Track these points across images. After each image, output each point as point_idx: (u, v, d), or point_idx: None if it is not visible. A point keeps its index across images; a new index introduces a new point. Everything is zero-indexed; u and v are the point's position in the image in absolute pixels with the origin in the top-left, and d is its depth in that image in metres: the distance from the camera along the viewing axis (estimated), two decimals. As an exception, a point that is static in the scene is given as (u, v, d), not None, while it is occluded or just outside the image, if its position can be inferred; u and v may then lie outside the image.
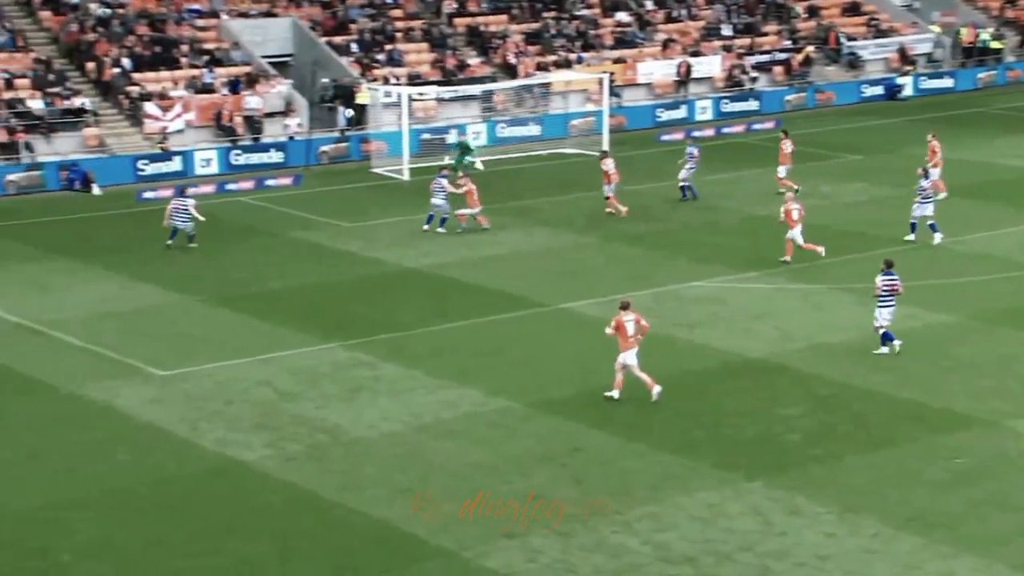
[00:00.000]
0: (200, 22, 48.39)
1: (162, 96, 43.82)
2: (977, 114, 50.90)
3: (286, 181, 41.47)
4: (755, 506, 19.15)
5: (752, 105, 51.86)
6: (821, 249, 31.16)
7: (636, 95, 51.31)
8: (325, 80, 46.35)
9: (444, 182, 34.59)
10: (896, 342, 25.05)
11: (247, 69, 46.35)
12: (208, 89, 44.88)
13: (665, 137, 47.19)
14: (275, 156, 43.79)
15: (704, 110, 51.00)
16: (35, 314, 28.05)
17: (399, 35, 50.65)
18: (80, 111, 42.44)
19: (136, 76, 44.65)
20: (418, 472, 20.38)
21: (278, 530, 18.50)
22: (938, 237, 32.45)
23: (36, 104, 42.02)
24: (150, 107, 43.31)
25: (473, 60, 50.14)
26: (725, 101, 51.57)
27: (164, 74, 45.24)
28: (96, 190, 40.16)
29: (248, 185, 40.81)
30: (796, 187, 37.17)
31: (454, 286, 30.31)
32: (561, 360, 25.40)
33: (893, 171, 41.31)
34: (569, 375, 24.58)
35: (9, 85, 42.51)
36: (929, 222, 32.63)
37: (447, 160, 40.41)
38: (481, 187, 36.26)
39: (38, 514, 18.87)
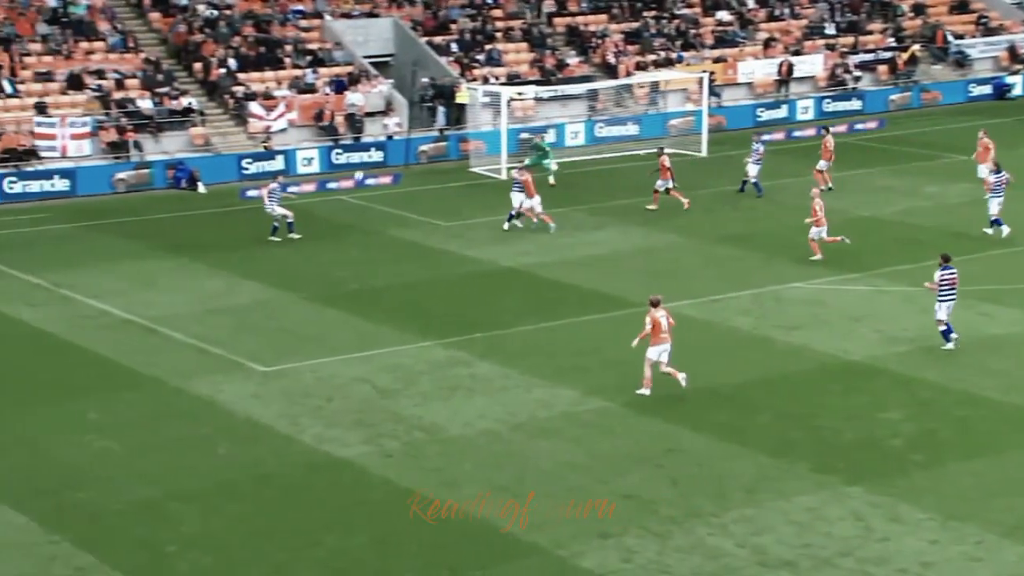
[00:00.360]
0: (304, 23, 49.09)
1: (266, 96, 44.56)
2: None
3: (386, 180, 41.88)
4: (855, 511, 18.92)
5: (855, 105, 51.15)
6: (846, 239, 31.34)
7: (736, 95, 50.90)
8: (425, 80, 46.72)
9: (520, 176, 35.04)
10: (954, 335, 24.95)
11: (349, 69, 46.91)
12: (311, 89, 45.52)
13: (766, 137, 46.71)
14: (375, 155, 44.25)
15: (805, 110, 50.43)
16: (143, 310, 28.71)
17: (499, 35, 50.86)
18: (187, 111, 43.31)
19: (241, 76, 45.45)
20: (514, 471, 20.47)
21: (375, 526, 18.73)
22: (1005, 230, 32.57)
23: (145, 104, 42.99)
24: (254, 107, 44.05)
25: (572, 60, 50.15)
26: (827, 101, 50.94)
27: (268, 74, 45.98)
28: (201, 188, 40.96)
29: (348, 184, 41.30)
30: (830, 185, 36.97)
31: (551, 285, 30.37)
32: (658, 361, 25.27)
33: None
34: (665, 376, 24.48)
35: (120, 85, 43.54)
36: (992, 218, 32.27)
37: (526, 162, 40.69)
38: (579, 187, 36.32)
39: (146, 506, 19.32)
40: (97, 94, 42.83)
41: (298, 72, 46.19)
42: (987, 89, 53.57)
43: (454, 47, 49.31)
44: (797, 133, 47.52)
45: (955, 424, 21.95)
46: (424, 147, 45.09)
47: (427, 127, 46.35)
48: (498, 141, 42.63)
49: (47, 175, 40.07)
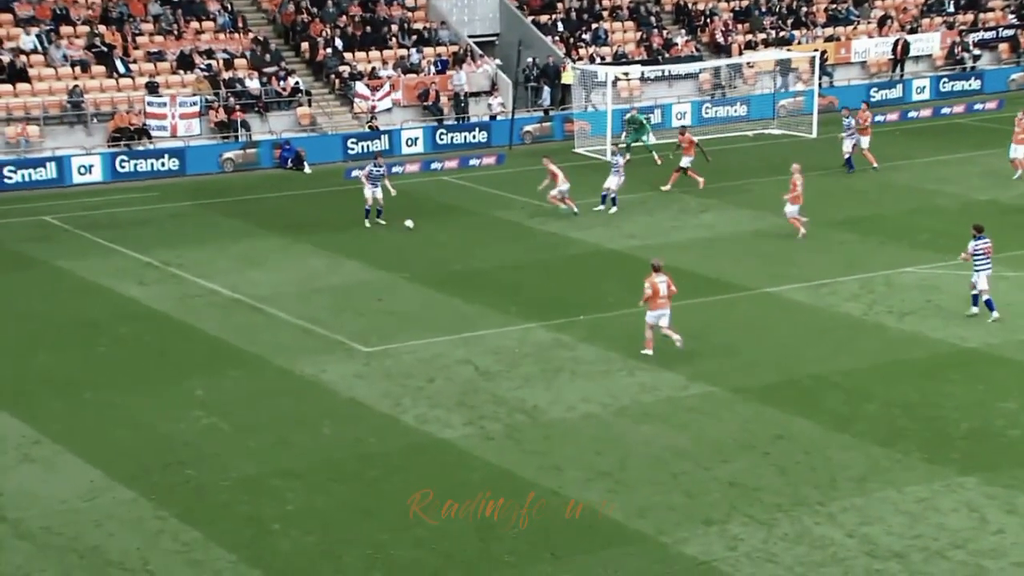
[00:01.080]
0: (410, 2, 49.30)
1: (371, 76, 44.86)
2: None
3: (489, 160, 41.91)
4: (969, 502, 18.48)
5: (974, 85, 49.91)
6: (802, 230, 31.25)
7: (849, 74, 49.99)
8: (530, 60, 46.63)
9: (619, 160, 34.68)
10: (995, 313, 25.21)
11: (454, 49, 47.02)
12: (415, 69, 45.72)
13: (879, 118, 45.85)
14: (479, 136, 44.31)
15: (922, 90, 49.36)
16: (249, 289, 29.12)
17: (605, 14, 50.56)
18: (295, 91, 43.80)
19: (347, 56, 45.83)
20: (616, 455, 20.36)
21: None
22: None
23: (253, 84, 43.56)
24: (360, 87, 44.41)
25: (680, 39, 49.67)
26: (945, 80, 49.76)
27: (374, 54, 46.30)
28: (307, 168, 41.42)
29: (452, 164, 41.41)
30: (874, 165, 36.79)
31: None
32: (765, 346, 24.99)
33: None
34: (774, 361, 24.16)
35: (228, 65, 44.19)
36: None
37: (625, 141, 40.48)
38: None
39: (251, 484, 19.60)
40: (206, 74, 43.52)
41: (403, 52, 46.42)
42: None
43: (560, 26, 49.13)
44: (912, 114, 46.49)
45: (1076, 415, 21.31)
46: (528, 127, 45.06)
47: (532, 107, 46.32)
48: (603, 122, 42.39)
49: (157, 154, 40.86)
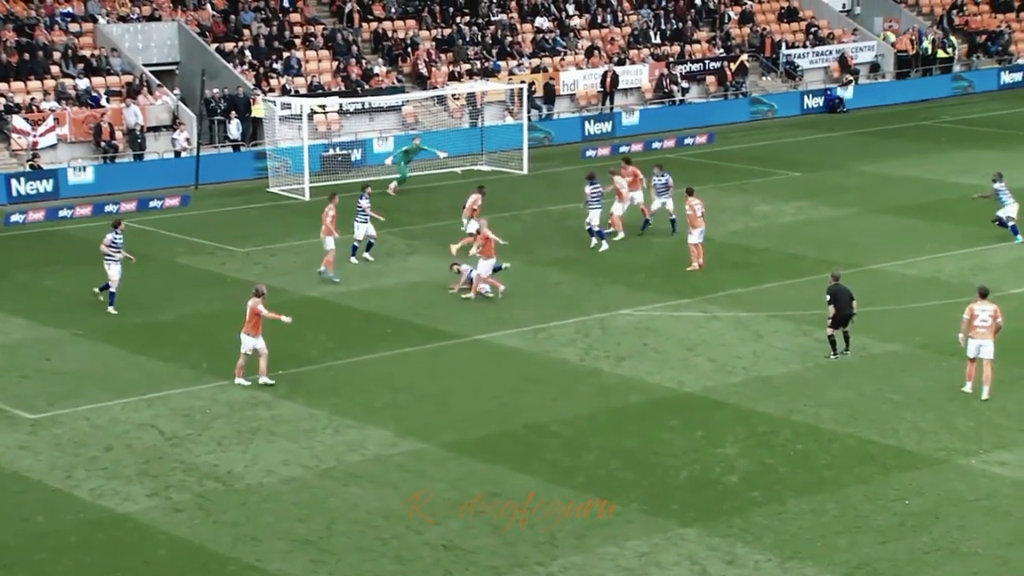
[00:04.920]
0: (74, 27, 47.80)
1: (31, 108, 43.23)
2: (923, 127, 51.92)
3: (173, 202, 41.04)
4: (690, 555, 19.23)
5: (683, 117, 52.33)
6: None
7: (559, 107, 51.63)
8: (215, 91, 46.03)
9: (364, 203, 33.94)
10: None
11: (128, 79, 45.91)
12: (85, 101, 44.35)
13: (590, 152, 47.52)
14: (160, 174, 43.33)
15: (631, 123, 51.39)
16: None
17: (298, 41, 50.52)
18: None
19: (1, 87, 44.01)
20: (321, 521, 20.20)
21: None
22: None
23: None
24: (17, 120, 42.70)
25: (380, 69, 50.14)
26: (654, 113, 52.02)
27: (33, 84, 44.63)
28: (-41, 212, 39.47)
29: (130, 206, 40.32)
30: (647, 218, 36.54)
31: (361, 316, 30.16)
32: (479, 396, 25.36)
33: (834, 189, 41.99)
34: (488, 412, 24.54)
35: None
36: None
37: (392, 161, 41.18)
38: (391, 208, 36.18)
39: None
40: None
41: (69, 81, 44.96)
42: (820, 101, 55.51)
43: (248, 54, 48.75)
44: (623, 148, 48.40)
45: (795, 458, 22.54)
46: (216, 165, 44.39)
47: (219, 143, 45.67)
48: (300, 158, 42.26)
49: None
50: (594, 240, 35.32)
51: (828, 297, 26.70)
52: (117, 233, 30.41)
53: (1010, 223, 34.87)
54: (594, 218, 35.29)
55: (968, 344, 24.63)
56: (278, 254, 35.28)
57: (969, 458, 22.30)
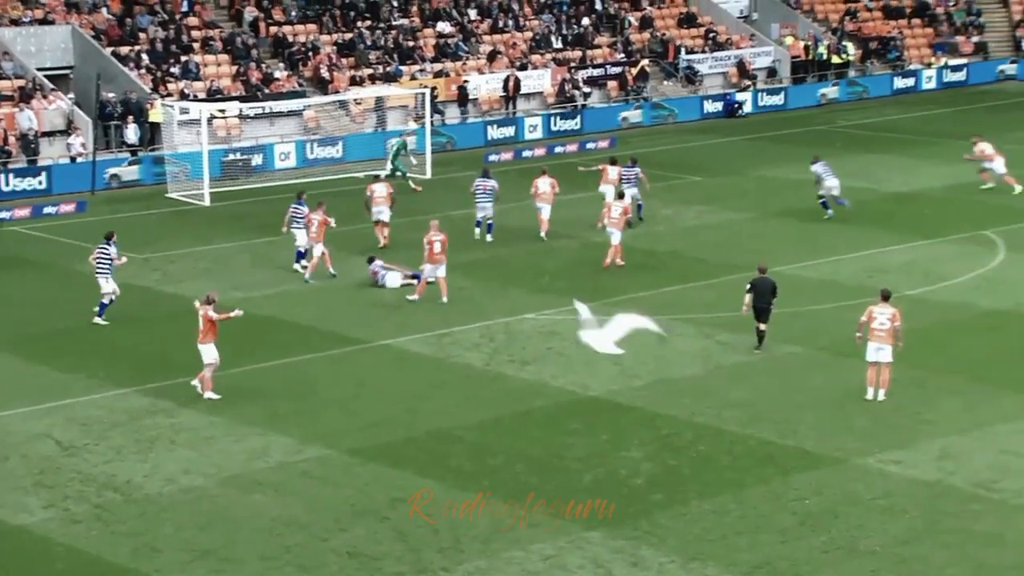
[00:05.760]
0: (-37, 29, 46.91)
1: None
2: (819, 132, 52.71)
3: (68, 208, 40.39)
4: (595, 557, 19.31)
5: (585, 122, 52.59)
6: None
7: (458, 112, 51.62)
8: (111, 95, 45.39)
9: (304, 210, 33.64)
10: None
11: (20, 83, 45.10)
12: (-25, 105, 43.53)
13: (493, 157, 47.56)
14: (55, 180, 42.63)
15: (534, 128, 51.57)
16: None
17: (196, 45, 49.96)
18: None
19: None
20: (222, 531, 19.99)
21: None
22: None
23: None
24: (-96, 125, 41.81)
25: (280, 73, 49.75)
26: (556, 118, 52.25)
27: (-81, 89, 43.73)
28: None
29: (23, 213, 39.61)
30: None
31: (264, 322, 29.89)
32: (384, 402, 25.28)
33: (734, 193, 42.48)
34: (393, 418, 24.47)
35: None
36: None
37: (383, 172, 40.77)
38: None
39: None
40: None
41: (-42, 85, 44.11)
42: (720, 106, 56.16)
43: (145, 58, 48.12)
44: (527, 153, 48.53)
45: (697, 460, 22.75)
46: (114, 170, 43.80)
47: (116, 148, 45.05)
48: (199, 163, 41.79)
49: None
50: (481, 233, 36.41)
51: (748, 286, 27.13)
52: (107, 245, 30.09)
53: (838, 198, 37.91)
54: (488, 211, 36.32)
55: (867, 347, 25.02)
56: (177, 260, 34.86)
57: (866, 458, 22.66)
